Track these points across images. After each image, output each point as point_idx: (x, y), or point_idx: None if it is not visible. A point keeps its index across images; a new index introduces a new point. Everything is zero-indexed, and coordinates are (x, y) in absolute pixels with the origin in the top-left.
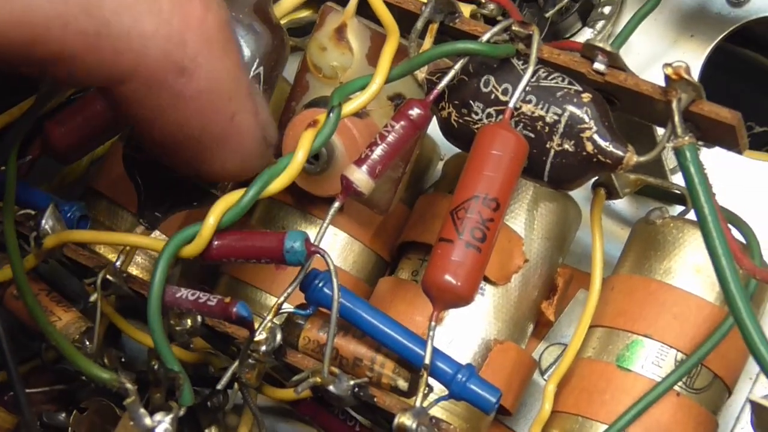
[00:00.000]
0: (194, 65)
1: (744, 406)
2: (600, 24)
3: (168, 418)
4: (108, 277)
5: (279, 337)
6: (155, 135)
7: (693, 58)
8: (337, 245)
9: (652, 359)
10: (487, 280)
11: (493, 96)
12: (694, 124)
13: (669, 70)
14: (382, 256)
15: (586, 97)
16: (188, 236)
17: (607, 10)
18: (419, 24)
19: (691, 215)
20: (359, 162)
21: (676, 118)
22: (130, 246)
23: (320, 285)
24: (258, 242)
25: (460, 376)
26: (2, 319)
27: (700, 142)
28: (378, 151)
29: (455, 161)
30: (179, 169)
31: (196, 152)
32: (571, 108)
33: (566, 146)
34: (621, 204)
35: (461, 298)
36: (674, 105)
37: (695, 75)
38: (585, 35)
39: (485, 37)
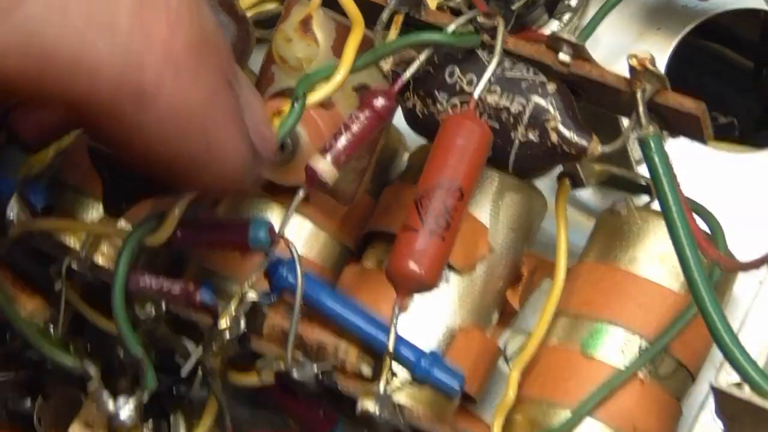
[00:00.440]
0: (155, 91)
1: (708, 394)
2: (567, 16)
3: (131, 402)
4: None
5: (243, 324)
6: (123, 157)
7: (659, 50)
8: (302, 234)
9: (616, 346)
10: (451, 268)
11: (458, 86)
12: (658, 114)
13: (633, 61)
14: (348, 245)
15: (551, 87)
16: (153, 225)
17: (573, 2)
18: (384, 15)
19: (656, 205)
20: (323, 151)
21: (641, 109)
22: (94, 234)
23: (284, 272)
24: (222, 231)
25: (423, 361)
26: None
27: (665, 133)
28: (342, 141)
29: (421, 152)
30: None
31: (171, 175)
32: (535, 98)
33: (531, 136)
34: (587, 194)
35: (424, 285)
36: (638, 95)
37: (662, 68)
38: (552, 27)
39: (450, 28)
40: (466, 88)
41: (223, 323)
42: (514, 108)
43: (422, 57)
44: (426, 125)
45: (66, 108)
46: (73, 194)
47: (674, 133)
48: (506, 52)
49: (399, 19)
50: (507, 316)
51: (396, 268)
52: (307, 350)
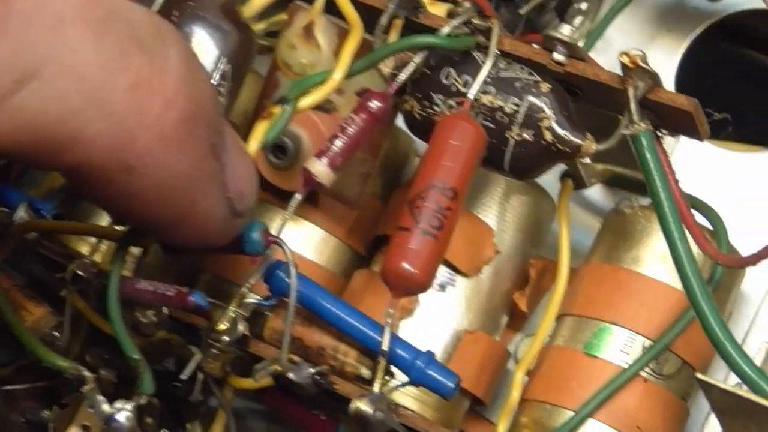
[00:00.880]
0: (143, 163)
1: None
2: (578, 20)
3: (129, 406)
4: (77, 271)
5: (240, 326)
6: (111, 214)
7: (671, 52)
8: (312, 240)
9: (619, 346)
10: (457, 271)
11: (453, 88)
12: (654, 112)
13: (625, 59)
14: (358, 250)
15: (545, 87)
16: None
17: (584, 5)
18: (383, 19)
19: None
20: (319, 154)
21: (632, 106)
22: (94, 236)
23: (282, 275)
24: None
25: (419, 361)
26: None
27: (663, 131)
28: (338, 143)
29: None
30: None
31: (154, 231)
32: (530, 98)
33: (525, 135)
34: (597, 195)
35: (418, 285)
36: (630, 93)
37: (674, 69)
38: (563, 32)
39: (444, 30)
40: (461, 89)
41: (222, 326)
42: (509, 108)
43: (417, 59)
44: (424, 127)
45: (57, 171)
46: (85, 204)
47: (671, 130)
48: (501, 53)
49: (398, 23)
50: (517, 320)
51: (389, 269)
52: (307, 353)
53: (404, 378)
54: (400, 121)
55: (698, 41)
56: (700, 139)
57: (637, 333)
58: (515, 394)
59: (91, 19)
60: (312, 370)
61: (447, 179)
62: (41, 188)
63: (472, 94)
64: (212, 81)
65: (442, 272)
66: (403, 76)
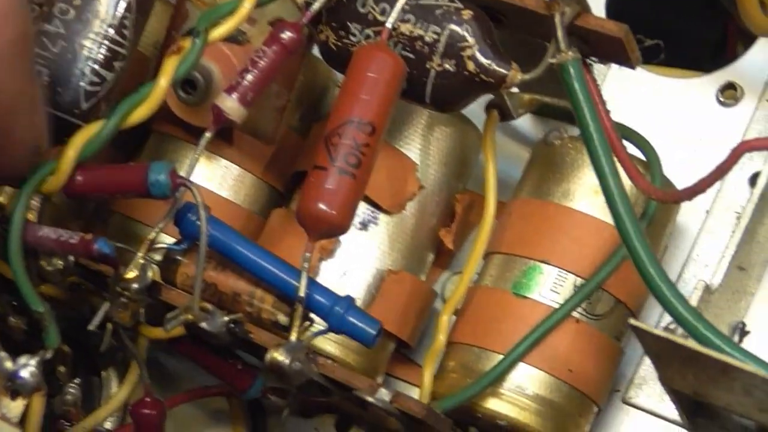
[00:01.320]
0: None
1: None
2: None
3: (33, 361)
4: None
5: (150, 273)
6: None
7: None
8: (228, 178)
9: (549, 285)
10: (379, 208)
11: (370, 16)
12: (582, 39)
13: None
14: (276, 187)
15: (467, 14)
16: (49, 170)
17: None
18: None
19: None
20: (230, 89)
21: (559, 33)
22: None
23: (193, 218)
24: (122, 175)
25: (338, 308)
26: None
27: (592, 59)
28: (249, 78)
29: None
30: None
31: None
32: (451, 26)
33: (447, 66)
34: (526, 124)
35: (336, 226)
36: (557, 19)
37: None
38: None
39: None
40: (378, 17)
41: (130, 273)
42: (429, 36)
43: None
44: (340, 59)
45: None
46: None
47: (601, 58)
48: None
49: None
50: (444, 257)
51: (304, 210)
52: (222, 300)
53: (325, 324)
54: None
55: None
56: (632, 66)
57: (568, 271)
58: (441, 338)
59: None
60: (226, 319)
61: (364, 114)
62: None
63: (390, 22)
64: (117, 12)
65: (364, 210)
66: (317, 5)
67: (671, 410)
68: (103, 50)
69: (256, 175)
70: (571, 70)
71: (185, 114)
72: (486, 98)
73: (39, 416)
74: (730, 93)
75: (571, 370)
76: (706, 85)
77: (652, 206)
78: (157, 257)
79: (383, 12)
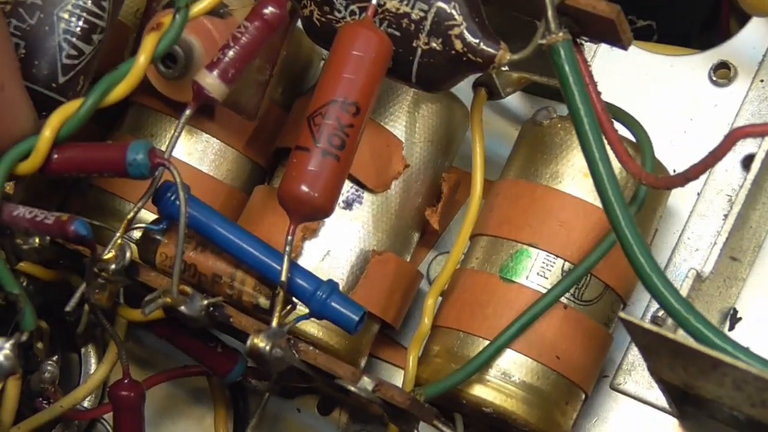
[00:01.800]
0: None
1: (643, 317)
2: None
3: (8, 344)
4: None
5: (129, 254)
6: None
7: None
8: (209, 153)
9: (537, 270)
10: (364, 187)
11: None
12: (573, 19)
13: None
14: (259, 162)
15: None
16: (24, 150)
17: None
18: None
19: None
20: (211, 66)
21: (549, 12)
22: None
23: (172, 198)
24: (100, 155)
25: (320, 293)
26: None
27: (583, 38)
28: (231, 54)
29: None
30: None
31: None
32: (438, 3)
33: (434, 44)
34: (515, 101)
35: (319, 209)
36: None
37: None
38: None
39: None
40: None
41: (109, 254)
42: (416, 14)
43: None
44: (324, 34)
45: None
46: None
47: (593, 38)
48: None
49: None
50: (430, 237)
51: (287, 192)
52: (202, 281)
53: (307, 309)
54: None
55: None
56: (624, 48)
57: (557, 255)
58: (426, 321)
59: None
60: (205, 303)
61: (349, 94)
62: None
63: None
64: None
65: (348, 189)
66: None
67: (660, 397)
68: (81, 22)
69: (237, 149)
70: (562, 52)
71: (165, 88)
72: (473, 76)
73: (15, 401)
74: (723, 72)
75: (558, 356)
76: (699, 64)
77: (642, 190)
78: (136, 235)
79: None
